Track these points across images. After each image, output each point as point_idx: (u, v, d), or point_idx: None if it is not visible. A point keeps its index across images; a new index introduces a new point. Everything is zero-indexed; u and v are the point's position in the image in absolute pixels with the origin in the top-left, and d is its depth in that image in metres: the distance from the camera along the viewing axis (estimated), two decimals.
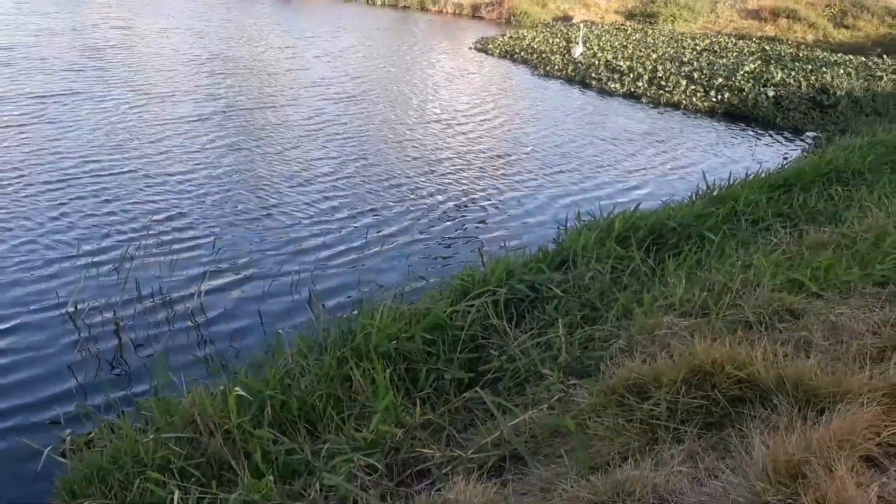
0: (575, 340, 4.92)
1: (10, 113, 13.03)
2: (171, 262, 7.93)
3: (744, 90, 19.78)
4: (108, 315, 6.88)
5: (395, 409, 4.25)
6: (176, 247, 8.40)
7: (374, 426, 4.03)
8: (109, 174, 10.58)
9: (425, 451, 3.80)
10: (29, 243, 8.22)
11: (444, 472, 3.59)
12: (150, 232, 8.73)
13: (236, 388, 4.47)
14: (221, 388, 4.78)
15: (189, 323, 6.93)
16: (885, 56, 26.59)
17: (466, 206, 10.69)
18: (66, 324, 6.76)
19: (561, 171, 12.88)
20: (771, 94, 19.38)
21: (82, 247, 8.21)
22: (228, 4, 31.80)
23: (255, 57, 21.28)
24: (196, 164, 11.41)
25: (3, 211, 8.99)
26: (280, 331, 6.10)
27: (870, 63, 24.54)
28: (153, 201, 9.74)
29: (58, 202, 9.43)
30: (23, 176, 10.17)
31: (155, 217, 9.22)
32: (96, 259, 7.92)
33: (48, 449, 4.52)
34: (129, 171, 10.77)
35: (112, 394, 5.72)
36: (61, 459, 4.63)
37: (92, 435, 4.97)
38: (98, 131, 12.59)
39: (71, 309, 6.92)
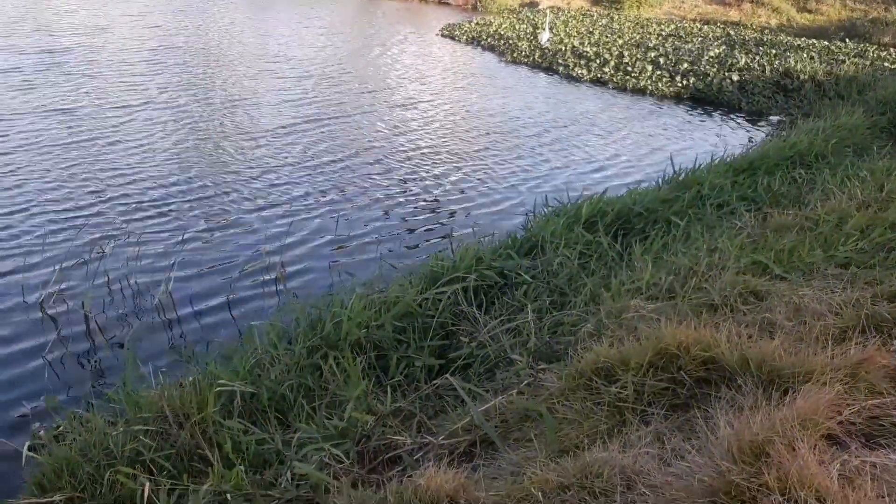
0: (544, 326, 4.96)
1: None
2: (141, 255, 7.84)
3: (709, 75, 19.92)
4: (77, 308, 6.79)
5: (366, 397, 4.27)
6: (145, 240, 8.31)
7: (347, 414, 4.04)
8: (75, 169, 10.44)
9: (396, 438, 3.82)
10: None
11: (415, 458, 3.61)
12: (120, 225, 8.63)
13: (217, 383, 4.44)
14: (191, 379, 4.76)
15: (159, 314, 6.86)
16: (847, 40, 26.93)
17: (435, 194, 10.68)
18: (35, 317, 6.67)
19: (529, 158, 12.90)
20: (735, 78, 19.54)
21: (50, 240, 8.11)
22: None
23: (223, 48, 21.20)
24: (164, 159, 11.28)
25: None
26: (251, 321, 6.07)
27: (832, 47, 24.82)
28: (123, 195, 9.62)
29: (25, 197, 9.30)
30: None
31: (124, 210, 9.11)
32: (65, 253, 7.82)
33: (26, 444, 4.45)
34: (97, 166, 10.63)
35: (82, 386, 5.68)
36: (30, 454, 4.57)
37: (61, 428, 4.92)
38: (65, 126, 12.45)
39: (40, 302, 6.84)
